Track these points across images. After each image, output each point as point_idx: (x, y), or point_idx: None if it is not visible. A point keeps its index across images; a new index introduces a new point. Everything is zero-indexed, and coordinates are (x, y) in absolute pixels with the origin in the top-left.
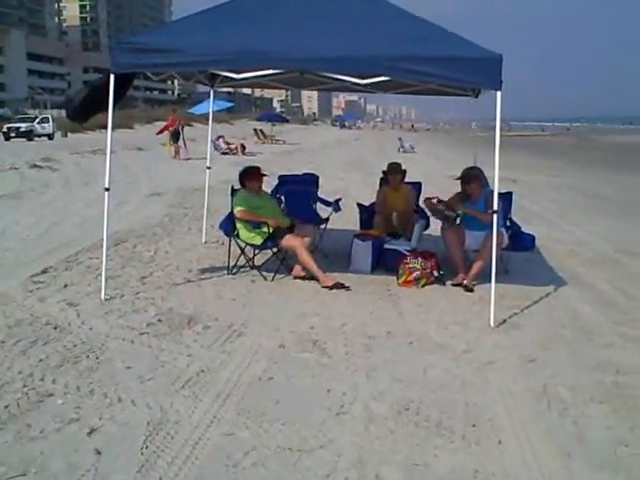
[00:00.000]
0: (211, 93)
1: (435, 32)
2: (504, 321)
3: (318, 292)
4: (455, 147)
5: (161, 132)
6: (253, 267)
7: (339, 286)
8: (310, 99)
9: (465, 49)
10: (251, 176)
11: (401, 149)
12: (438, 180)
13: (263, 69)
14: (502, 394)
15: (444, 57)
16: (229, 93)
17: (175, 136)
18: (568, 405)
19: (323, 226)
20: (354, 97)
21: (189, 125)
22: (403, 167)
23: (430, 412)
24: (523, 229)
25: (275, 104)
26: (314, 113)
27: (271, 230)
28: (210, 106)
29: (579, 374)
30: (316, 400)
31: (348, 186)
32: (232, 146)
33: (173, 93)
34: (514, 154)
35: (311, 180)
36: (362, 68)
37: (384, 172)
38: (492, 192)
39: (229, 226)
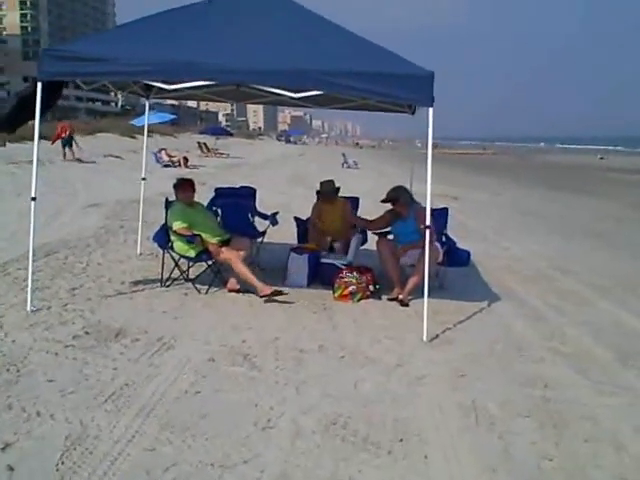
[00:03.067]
0: (147, 104)
1: (368, 48)
2: (437, 336)
3: (252, 306)
4: (397, 163)
5: (54, 141)
6: (187, 280)
7: (277, 293)
8: (256, 113)
9: (397, 66)
10: (182, 187)
11: (345, 165)
12: (379, 195)
13: (194, 81)
14: (432, 409)
15: (374, 73)
16: (173, 106)
17: (67, 142)
18: (496, 420)
19: (260, 239)
20: (300, 112)
21: (132, 137)
22: (342, 183)
23: (358, 427)
24: (461, 245)
25: (220, 118)
26: (260, 128)
27: (205, 245)
28: (146, 117)
29: (508, 389)
30: (243, 415)
31: (290, 200)
32: (174, 159)
33: (116, 105)
34: (456, 171)
35: (248, 193)
36: (292, 81)
37: (318, 191)
38: (421, 207)
39: (163, 238)
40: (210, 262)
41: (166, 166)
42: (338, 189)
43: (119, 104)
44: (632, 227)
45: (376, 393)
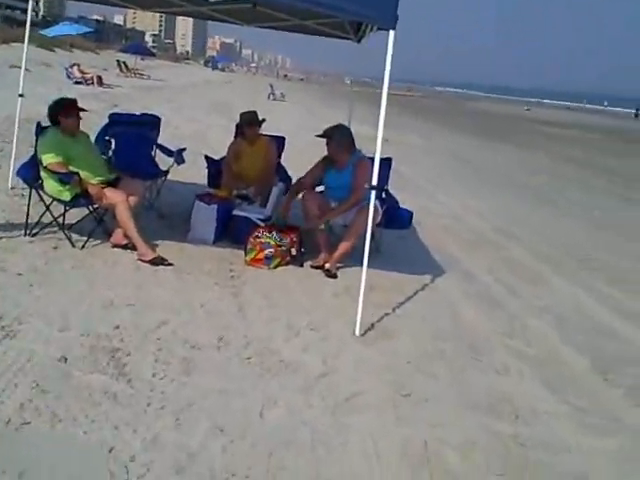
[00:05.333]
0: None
1: None
2: (372, 326)
3: (140, 269)
4: (328, 100)
5: None
6: (61, 228)
7: (159, 261)
8: (184, 37)
9: None
10: (66, 110)
11: (271, 96)
12: (307, 134)
13: None
14: (368, 459)
15: None
16: (98, 21)
17: None
18: None
19: (161, 179)
20: (230, 40)
21: (50, 50)
22: (267, 116)
23: None
24: (397, 197)
25: (147, 38)
26: (187, 52)
27: (84, 186)
28: (55, 28)
29: (469, 421)
30: (88, 470)
31: (207, 130)
32: (87, 76)
33: (37, 14)
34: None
35: (151, 122)
36: None
37: (237, 125)
38: (363, 159)
39: (30, 173)
40: (92, 208)
41: (77, 83)
42: (262, 121)
43: (40, 13)
44: (564, 182)
45: (290, 426)
